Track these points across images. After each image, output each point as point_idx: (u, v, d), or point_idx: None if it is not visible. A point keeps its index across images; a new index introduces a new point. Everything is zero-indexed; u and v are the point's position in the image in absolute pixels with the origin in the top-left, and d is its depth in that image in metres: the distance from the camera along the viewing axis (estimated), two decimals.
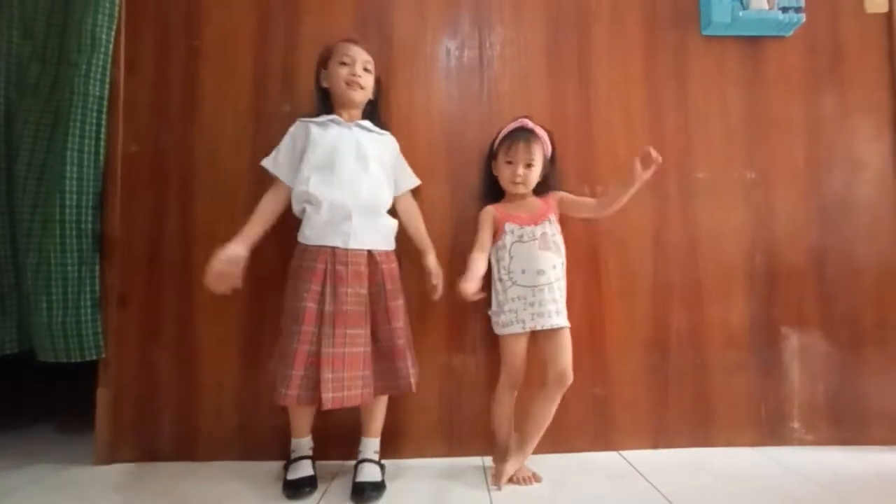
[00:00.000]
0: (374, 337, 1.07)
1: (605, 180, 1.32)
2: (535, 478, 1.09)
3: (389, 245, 1.14)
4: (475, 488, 1.07)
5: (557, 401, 1.11)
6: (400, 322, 1.09)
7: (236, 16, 1.32)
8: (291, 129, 1.15)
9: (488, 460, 1.21)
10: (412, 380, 1.07)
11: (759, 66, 1.36)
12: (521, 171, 1.15)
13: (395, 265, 1.13)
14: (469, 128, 1.32)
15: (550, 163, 1.21)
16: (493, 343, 1.21)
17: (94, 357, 1.20)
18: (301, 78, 1.30)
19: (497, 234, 1.17)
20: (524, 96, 1.33)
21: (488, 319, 1.21)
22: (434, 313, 1.26)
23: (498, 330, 1.16)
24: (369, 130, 1.16)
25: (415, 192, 1.28)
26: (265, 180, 1.27)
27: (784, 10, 1.31)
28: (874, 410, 1.29)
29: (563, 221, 1.30)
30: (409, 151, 1.30)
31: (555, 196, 1.21)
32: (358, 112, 1.17)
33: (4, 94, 1.25)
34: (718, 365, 1.29)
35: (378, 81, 1.20)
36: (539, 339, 1.14)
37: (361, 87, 1.14)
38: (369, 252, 1.08)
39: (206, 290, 1.25)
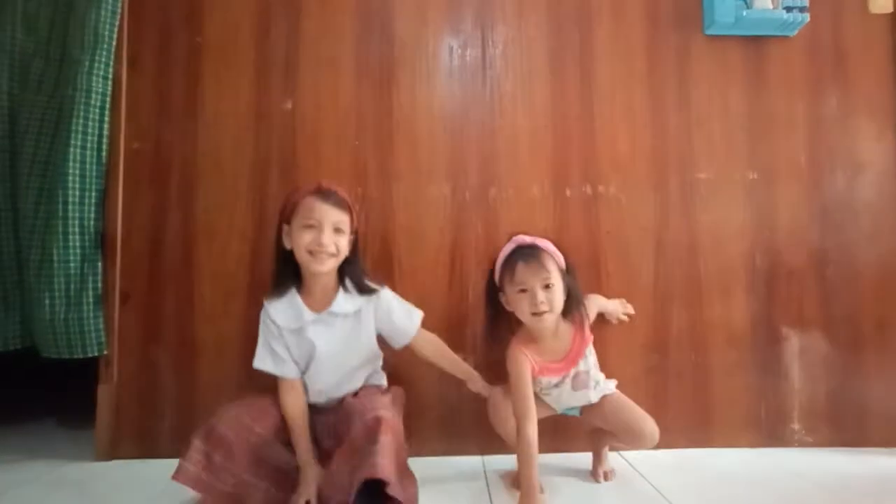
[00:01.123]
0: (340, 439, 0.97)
1: (606, 180, 1.31)
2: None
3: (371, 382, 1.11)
4: (475, 487, 1.07)
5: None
6: (376, 402, 0.98)
7: (238, 12, 1.31)
8: (266, 323, 1.02)
9: (487, 459, 1.21)
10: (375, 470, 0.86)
11: (761, 66, 1.36)
12: (541, 296, 0.95)
13: (376, 389, 1.08)
14: (471, 127, 1.32)
15: (568, 273, 1.02)
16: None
17: (97, 354, 1.21)
18: (302, 75, 1.30)
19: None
20: (526, 95, 1.33)
21: (489, 318, 1.21)
22: (432, 312, 1.24)
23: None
24: (347, 315, 1.02)
25: (417, 193, 1.28)
26: (266, 178, 1.28)
27: (788, 9, 1.30)
28: (874, 412, 1.29)
29: (563, 224, 1.30)
30: (410, 150, 1.30)
31: (589, 319, 1.05)
32: (331, 278, 1.02)
33: (8, 90, 1.26)
34: (718, 366, 1.29)
35: (355, 233, 1.04)
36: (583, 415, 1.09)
37: (330, 255, 0.97)
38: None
39: (207, 287, 1.26)
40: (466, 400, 1.25)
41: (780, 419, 1.28)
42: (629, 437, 1.05)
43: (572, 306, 1.02)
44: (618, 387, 1.12)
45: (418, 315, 1.10)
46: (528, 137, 1.32)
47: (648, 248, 1.30)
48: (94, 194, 1.23)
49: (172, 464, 1.17)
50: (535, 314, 0.97)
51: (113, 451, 1.22)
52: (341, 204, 1.00)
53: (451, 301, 1.27)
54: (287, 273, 1.02)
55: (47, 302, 1.16)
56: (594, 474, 1.10)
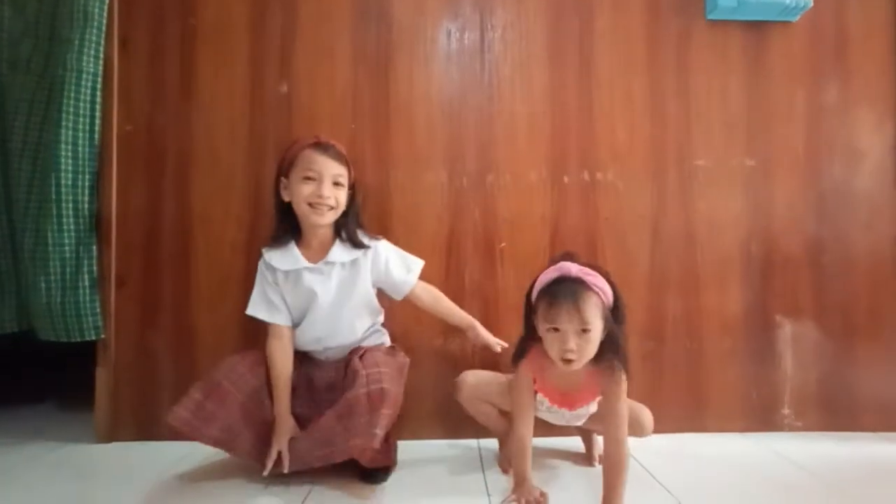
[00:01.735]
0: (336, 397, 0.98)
1: (604, 166, 1.31)
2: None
3: (376, 343, 1.11)
4: (471, 470, 1.08)
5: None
6: (376, 368, 0.95)
7: None
8: (262, 271, 1.05)
9: (484, 442, 1.23)
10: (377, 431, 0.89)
11: (763, 53, 1.35)
12: (572, 343, 0.84)
13: (378, 349, 1.07)
14: (469, 112, 1.30)
15: (612, 317, 0.88)
16: (489, 327, 1.22)
17: (94, 337, 1.21)
18: (299, 58, 1.29)
19: None
20: (525, 80, 1.31)
21: (485, 304, 1.22)
22: None
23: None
24: (343, 264, 1.03)
25: (414, 179, 1.27)
26: (262, 162, 1.27)
27: None
28: (863, 398, 1.31)
29: (561, 211, 1.30)
30: (407, 135, 1.29)
31: (608, 377, 0.89)
32: (328, 231, 1.04)
33: None
34: (713, 352, 1.30)
35: (353, 187, 1.04)
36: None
37: (330, 208, 0.99)
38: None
39: (203, 272, 1.26)
40: None
41: (771, 405, 1.30)
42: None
43: (606, 352, 0.88)
44: None
45: (418, 266, 1.10)
46: (527, 123, 1.31)
47: (645, 235, 1.31)
48: (87, 177, 1.22)
49: (171, 446, 1.20)
50: (562, 359, 0.86)
51: (112, 434, 1.23)
52: (340, 157, 1.01)
53: (447, 288, 1.26)
54: (286, 226, 1.04)
55: (43, 285, 1.16)
56: (589, 458, 1.12)
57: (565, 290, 0.85)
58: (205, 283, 1.26)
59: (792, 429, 1.30)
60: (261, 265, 1.06)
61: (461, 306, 1.26)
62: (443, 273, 1.27)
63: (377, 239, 1.09)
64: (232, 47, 1.28)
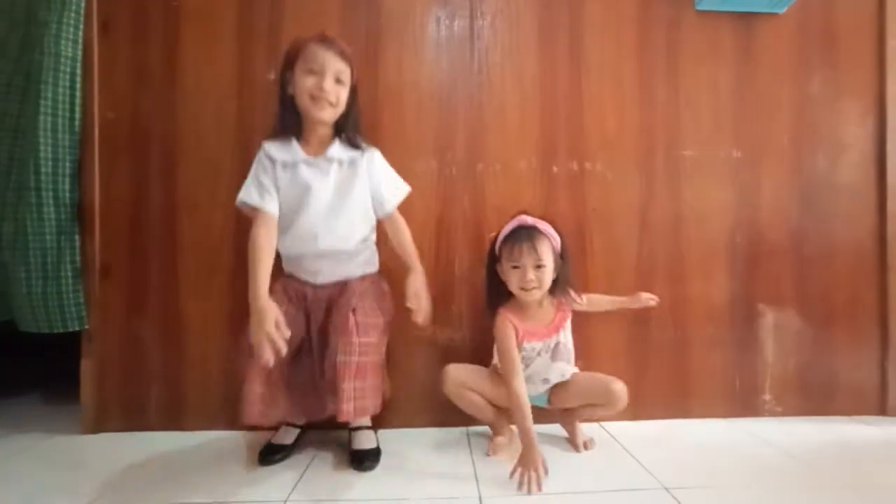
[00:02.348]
0: (332, 350, 0.97)
1: (593, 156, 1.31)
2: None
3: (368, 270, 1.10)
4: (460, 457, 1.10)
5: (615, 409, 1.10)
6: (365, 338, 0.97)
7: None
8: (260, 159, 1.03)
9: (472, 430, 1.24)
10: (344, 405, 0.92)
11: (751, 44, 1.35)
12: (531, 275, 1.05)
13: (369, 284, 1.07)
14: (459, 99, 1.30)
15: (561, 258, 1.10)
16: (478, 316, 1.23)
17: (77, 328, 1.19)
18: (287, 43, 1.25)
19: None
20: (515, 68, 1.31)
21: (474, 291, 1.23)
22: None
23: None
24: (342, 162, 1.04)
25: (403, 167, 1.26)
26: (249, 149, 1.24)
27: None
28: (840, 383, 1.35)
29: (549, 200, 1.31)
30: (396, 123, 1.28)
31: (569, 300, 1.13)
32: (327, 129, 1.05)
33: None
34: (697, 340, 1.33)
35: (354, 90, 1.05)
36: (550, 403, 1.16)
37: (331, 104, 1.00)
38: (341, 280, 1.06)
39: (190, 260, 1.24)
40: None
41: (752, 391, 1.34)
42: (601, 400, 1.10)
43: (559, 287, 1.10)
44: (600, 360, 1.21)
45: (404, 190, 1.11)
46: (516, 112, 1.31)
47: (633, 224, 1.32)
48: (68, 165, 1.19)
49: (159, 436, 1.19)
50: (523, 289, 1.06)
51: (99, 425, 1.22)
52: (343, 55, 1.01)
53: (437, 276, 1.27)
54: (288, 120, 1.04)
55: (23, 275, 1.14)
56: (574, 445, 1.14)
57: (524, 235, 1.06)
58: (192, 272, 1.24)
59: (772, 414, 1.33)
60: (259, 154, 1.04)
61: (451, 294, 1.27)
62: (432, 261, 1.27)
63: (374, 148, 1.10)
64: (218, 30, 1.26)
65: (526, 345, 1.09)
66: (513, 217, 1.11)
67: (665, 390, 1.32)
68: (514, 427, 1.10)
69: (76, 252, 1.20)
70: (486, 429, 1.22)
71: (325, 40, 1.00)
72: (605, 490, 0.94)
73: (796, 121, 1.36)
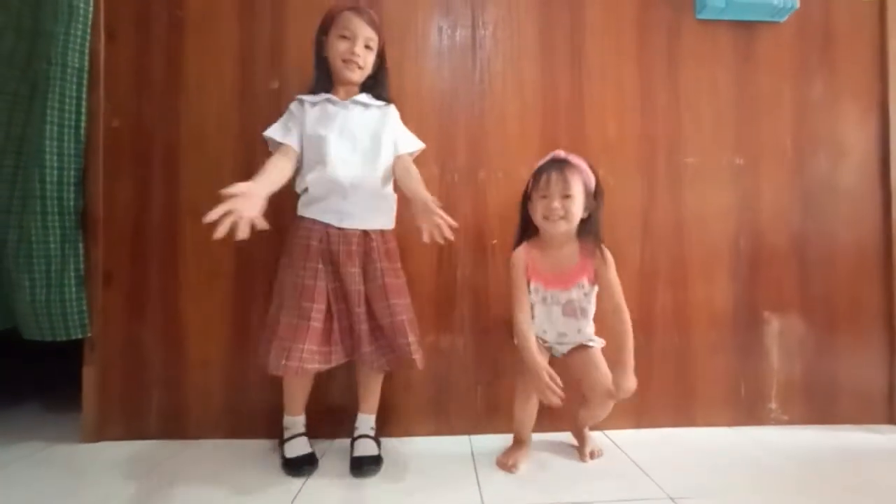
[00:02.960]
0: (371, 315, 1.05)
1: (595, 162, 1.30)
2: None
3: (387, 224, 1.12)
4: (462, 466, 1.09)
5: (607, 409, 1.09)
6: (400, 299, 1.07)
7: None
8: (291, 107, 1.11)
9: (475, 439, 1.23)
10: (415, 356, 1.05)
11: (751, 52, 1.36)
12: (557, 203, 1.01)
13: (392, 245, 1.11)
14: (460, 108, 1.30)
15: (595, 198, 1.07)
16: (481, 323, 1.22)
17: (80, 336, 1.19)
18: (289, 53, 1.27)
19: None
20: (516, 77, 1.32)
21: (476, 299, 1.22)
22: (422, 292, 1.26)
23: (516, 338, 1.06)
24: (366, 106, 1.11)
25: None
26: (252, 157, 1.25)
27: None
28: (846, 391, 1.34)
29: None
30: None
31: (598, 258, 1.05)
32: (355, 89, 1.13)
33: None
34: (701, 346, 1.32)
35: (381, 55, 1.14)
36: (564, 357, 1.12)
37: (360, 67, 1.09)
38: (364, 231, 1.07)
39: (192, 268, 1.25)
40: (455, 381, 1.27)
41: (758, 398, 1.32)
42: (595, 398, 1.07)
43: (588, 228, 1.06)
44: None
45: (419, 144, 1.17)
46: (518, 119, 1.31)
47: (635, 229, 1.32)
48: (72, 173, 1.20)
49: (160, 445, 1.19)
50: (545, 218, 1.04)
51: (100, 433, 1.22)
52: (373, 23, 1.10)
53: (439, 283, 1.27)
54: (322, 79, 1.12)
55: (27, 283, 1.14)
56: (580, 454, 1.13)
57: (554, 165, 1.04)
58: (194, 279, 1.24)
59: (778, 422, 1.32)
60: (291, 105, 1.12)
61: (452, 301, 1.27)
62: (434, 268, 1.27)
63: (393, 105, 1.17)
64: (221, 40, 1.27)
65: (533, 285, 1.07)
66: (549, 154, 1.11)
67: (669, 397, 1.31)
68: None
69: (80, 260, 1.20)
70: (490, 438, 1.21)
71: (357, 9, 1.10)
72: (608, 500, 0.93)
73: (797, 126, 1.36)
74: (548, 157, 1.09)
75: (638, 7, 1.34)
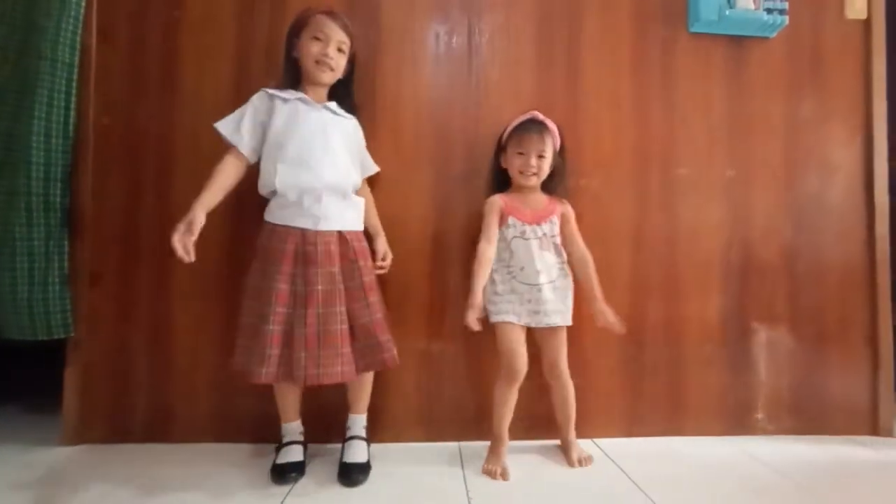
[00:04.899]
0: (351, 314, 1.04)
1: (589, 173, 1.33)
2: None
3: (359, 225, 1.12)
4: (451, 472, 1.08)
5: (568, 391, 1.17)
6: (377, 296, 1.08)
7: None
8: (254, 100, 1.08)
9: (464, 445, 1.22)
10: (394, 352, 1.07)
11: (742, 66, 1.39)
12: (533, 161, 1.15)
13: (365, 244, 1.12)
14: (456, 115, 1.31)
15: (559, 156, 1.21)
16: (472, 330, 1.21)
17: (62, 336, 1.16)
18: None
19: (500, 224, 1.17)
20: (512, 85, 1.33)
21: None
22: (413, 300, 1.26)
23: (492, 318, 1.14)
24: (335, 113, 1.12)
25: (400, 178, 1.27)
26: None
27: (769, 11, 1.33)
28: (833, 403, 1.35)
29: None
30: (394, 137, 1.29)
31: (562, 205, 1.20)
32: (324, 91, 1.14)
33: None
34: (691, 358, 1.33)
35: (352, 61, 1.16)
36: (535, 335, 1.16)
37: (332, 69, 1.10)
38: (339, 232, 1.07)
39: (182, 268, 1.22)
40: (445, 388, 1.26)
41: (745, 409, 1.33)
42: (547, 369, 1.17)
43: (554, 182, 1.21)
44: (594, 377, 1.23)
45: (372, 169, 1.22)
46: None
47: (627, 242, 1.33)
48: (59, 169, 1.17)
49: (144, 448, 1.16)
50: (522, 173, 1.16)
51: (80, 436, 1.19)
52: (346, 28, 1.12)
53: (431, 290, 1.27)
54: (292, 79, 1.13)
55: (9, 281, 1.11)
56: (568, 461, 1.13)
57: (532, 126, 1.17)
58: (184, 281, 1.22)
59: (765, 432, 1.33)
60: (255, 96, 1.09)
61: (445, 306, 1.27)
62: (426, 275, 1.27)
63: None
64: (218, 42, 1.26)
65: (511, 220, 1.16)
66: (522, 114, 1.20)
67: (659, 408, 1.31)
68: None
69: (65, 258, 1.18)
70: (479, 444, 1.20)
71: (331, 13, 1.11)
72: None
73: (787, 141, 1.39)
74: (526, 117, 1.19)
75: (633, 19, 1.36)
